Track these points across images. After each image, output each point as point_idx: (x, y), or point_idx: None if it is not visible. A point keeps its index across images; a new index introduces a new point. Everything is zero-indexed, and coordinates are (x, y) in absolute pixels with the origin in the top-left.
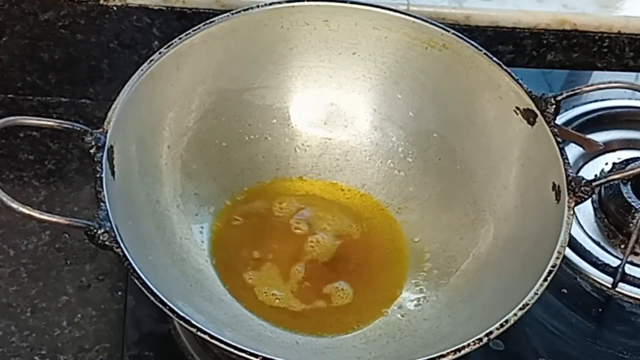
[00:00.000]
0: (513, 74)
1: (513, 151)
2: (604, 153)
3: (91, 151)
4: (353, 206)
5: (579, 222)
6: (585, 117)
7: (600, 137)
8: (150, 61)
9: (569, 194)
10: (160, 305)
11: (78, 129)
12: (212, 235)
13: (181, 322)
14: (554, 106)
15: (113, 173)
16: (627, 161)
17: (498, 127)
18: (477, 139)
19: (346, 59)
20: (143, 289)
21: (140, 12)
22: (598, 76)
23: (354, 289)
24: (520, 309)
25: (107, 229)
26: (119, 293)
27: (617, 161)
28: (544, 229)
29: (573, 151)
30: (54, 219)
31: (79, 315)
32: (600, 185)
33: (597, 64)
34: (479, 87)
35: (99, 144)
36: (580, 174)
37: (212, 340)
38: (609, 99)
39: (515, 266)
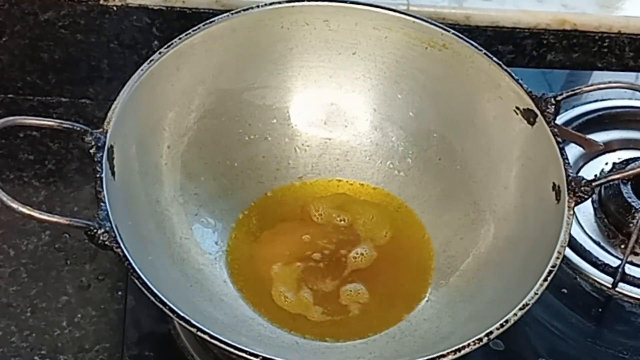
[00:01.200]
0: (513, 74)
1: (513, 151)
2: (604, 153)
3: (91, 151)
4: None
5: (579, 222)
6: (585, 117)
7: (600, 137)
8: (150, 61)
9: (569, 194)
10: (160, 305)
11: (78, 129)
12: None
13: (181, 322)
14: (554, 106)
15: (113, 173)
16: (627, 161)
17: (498, 127)
18: (477, 139)
19: (346, 59)
20: (143, 289)
21: (140, 12)
22: (598, 76)
23: (372, 294)
24: (520, 309)
25: (107, 229)
26: (119, 293)
27: (617, 161)
28: (544, 229)
29: (573, 151)
30: (54, 219)
31: (79, 315)
32: (600, 185)
33: (597, 64)
34: (479, 87)
35: (99, 144)
36: (580, 174)
37: (212, 340)
38: (609, 99)
39: (515, 266)
